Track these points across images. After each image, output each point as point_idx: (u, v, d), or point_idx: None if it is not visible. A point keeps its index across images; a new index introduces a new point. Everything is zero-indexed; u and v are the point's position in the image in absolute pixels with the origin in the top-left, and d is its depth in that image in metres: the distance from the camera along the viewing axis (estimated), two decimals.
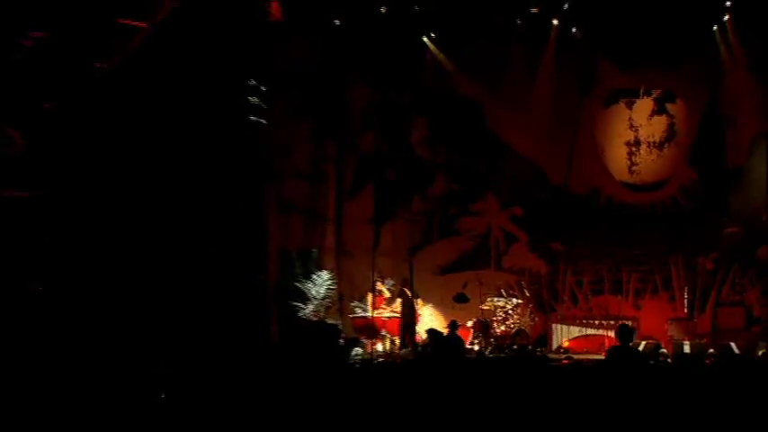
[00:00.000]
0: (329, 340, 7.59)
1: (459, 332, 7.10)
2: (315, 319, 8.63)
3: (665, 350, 7.20)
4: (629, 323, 6.96)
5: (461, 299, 7.89)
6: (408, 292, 7.98)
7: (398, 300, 8.45)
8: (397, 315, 8.27)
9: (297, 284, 8.42)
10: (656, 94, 8.53)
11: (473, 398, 5.17)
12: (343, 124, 8.45)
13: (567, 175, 8.47)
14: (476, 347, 7.72)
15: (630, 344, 5.73)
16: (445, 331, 7.13)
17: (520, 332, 8.00)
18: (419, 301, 8.44)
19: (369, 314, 8.07)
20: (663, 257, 8.36)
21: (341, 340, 8.20)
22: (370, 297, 8.20)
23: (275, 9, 8.26)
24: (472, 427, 4.89)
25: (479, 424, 4.89)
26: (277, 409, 4.97)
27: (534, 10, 8.07)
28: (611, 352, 5.43)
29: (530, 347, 7.77)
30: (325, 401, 5.12)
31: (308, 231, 8.73)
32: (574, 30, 8.21)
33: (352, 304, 8.45)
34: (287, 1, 8.39)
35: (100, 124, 7.74)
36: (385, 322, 8.04)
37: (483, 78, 8.57)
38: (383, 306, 8.27)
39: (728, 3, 7.79)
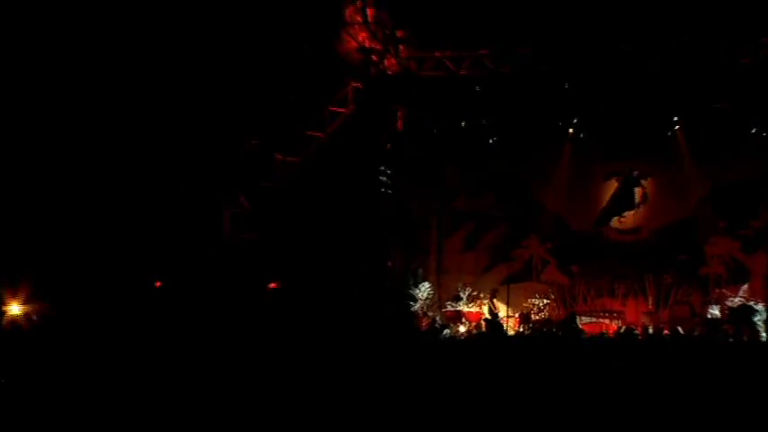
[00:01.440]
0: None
1: (507, 320, 11.94)
2: (420, 312, 12.71)
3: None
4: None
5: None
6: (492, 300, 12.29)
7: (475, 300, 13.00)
8: (473, 310, 12.80)
9: (409, 291, 12.66)
10: (635, 174, 12.81)
11: (511, 357, 8.49)
12: (441, 193, 13.07)
13: (581, 222, 12.97)
14: (520, 329, 11.87)
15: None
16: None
17: (548, 321, 12.08)
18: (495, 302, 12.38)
19: (457, 308, 12.59)
20: (639, 275, 12.43)
21: (437, 324, 12.72)
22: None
23: (400, 124, 13.08)
24: (511, 373, 7.48)
25: (515, 373, 7.46)
26: (393, 365, 7.58)
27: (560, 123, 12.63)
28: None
29: (554, 329, 12.25)
30: (423, 360, 8.06)
31: (417, 258, 13.21)
32: (581, 135, 12.21)
33: (447, 303, 12.79)
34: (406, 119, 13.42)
35: (293, 198, 12.24)
36: (466, 314, 12.48)
37: (527, 164, 12.77)
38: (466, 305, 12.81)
39: (676, 120, 11.72)
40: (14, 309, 10.39)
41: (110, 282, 10.74)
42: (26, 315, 10.32)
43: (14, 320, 10.40)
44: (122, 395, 5.96)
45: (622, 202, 12.67)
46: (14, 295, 10.19)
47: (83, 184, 10.48)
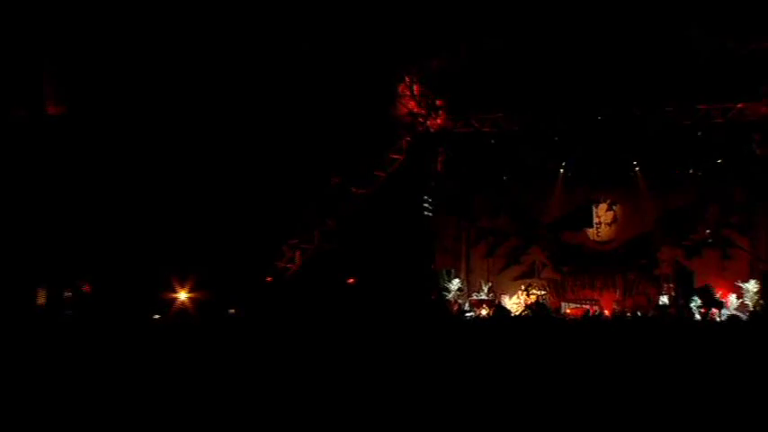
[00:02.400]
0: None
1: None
2: (452, 300, 16.21)
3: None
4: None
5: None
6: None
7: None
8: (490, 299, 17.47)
9: (445, 285, 16.17)
10: (608, 201, 16.41)
11: (516, 330, 11.19)
12: (469, 216, 17.03)
13: (569, 236, 16.89)
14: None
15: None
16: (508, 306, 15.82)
17: (540, 304, 14.97)
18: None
19: (480, 297, 16.54)
20: (611, 273, 16.03)
21: (464, 309, 16.88)
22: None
23: (439, 166, 17.56)
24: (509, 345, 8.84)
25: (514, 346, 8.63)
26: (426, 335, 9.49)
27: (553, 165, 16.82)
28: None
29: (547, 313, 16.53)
30: (450, 332, 10.29)
31: (448, 261, 16.99)
32: (569, 173, 16.01)
33: (473, 293, 16.43)
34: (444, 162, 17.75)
35: (364, 219, 16.02)
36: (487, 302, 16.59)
37: (530, 194, 16.64)
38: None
39: (636, 164, 15.96)
40: (182, 296, 14.78)
41: (243, 276, 15.25)
42: (191, 301, 14.61)
43: (183, 305, 14.81)
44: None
45: (598, 221, 16.47)
46: (182, 285, 14.59)
47: (235, 199, 14.37)
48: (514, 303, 15.61)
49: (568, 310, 15.79)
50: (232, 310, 13.94)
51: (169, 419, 5.25)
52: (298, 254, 15.95)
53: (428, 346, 8.87)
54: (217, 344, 7.99)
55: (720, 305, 14.11)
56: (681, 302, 14.79)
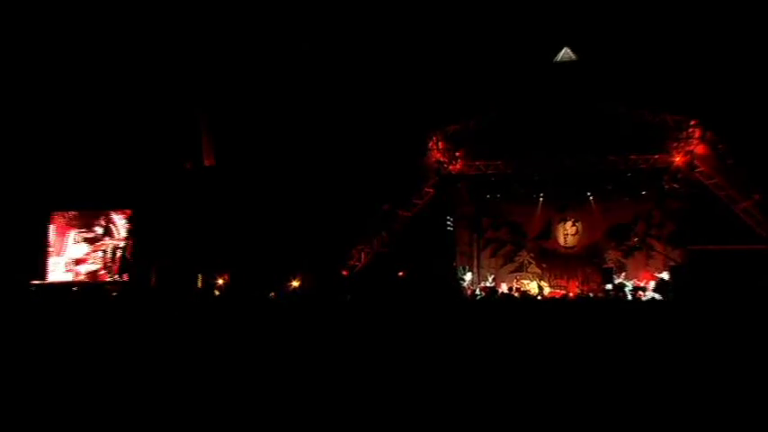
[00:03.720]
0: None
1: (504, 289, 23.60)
2: (467, 287, 24.45)
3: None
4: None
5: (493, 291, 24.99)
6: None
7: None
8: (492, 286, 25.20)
9: (462, 277, 21.42)
10: (572, 219, 21.60)
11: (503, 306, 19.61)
12: (480, 229, 24.65)
13: (548, 244, 25.27)
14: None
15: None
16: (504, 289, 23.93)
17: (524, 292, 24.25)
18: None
19: (486, 285, 25.03)
20: (575, 269, 21.39)
21: (476, 293, 25.14)
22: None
23: (463, 189, 25.43)
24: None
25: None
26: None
27: (534, 194, 25.06)
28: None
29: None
30: (465, 307, 14.88)
31: (464, 260, 23.57)
32: (544, 199, 22.56)
33: (482, 281, 21.98)
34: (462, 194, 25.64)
35: (408, 234, 24.84)
36: (490, 288, 25.01)
37: (520, 214, 24.20)
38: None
39: (590, 194, 24.55)
40: (294, 283, 22.44)
41: (330, 270, 23.14)
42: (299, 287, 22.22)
43: (295, 290, 22.42)
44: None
45: (565, 233, 23.35)
46: (300, 272, 22.40)
47: (326, 219, 22.38)
48: (509, 287, 23.34)
49: (547, 293, 23.43)
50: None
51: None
52: (363, 255, 22.65)
53: (451, 316, 12.02)
54: (318, 312, 11.86)
55: (611, 281, 21.00)
56: (606, 288, 22.15)
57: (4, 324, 9.45)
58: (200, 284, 21.18)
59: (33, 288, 18.84)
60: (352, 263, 22.55)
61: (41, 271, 20.12)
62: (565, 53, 22.04)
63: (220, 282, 21.91)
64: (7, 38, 19.41)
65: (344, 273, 22.82)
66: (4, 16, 17.60)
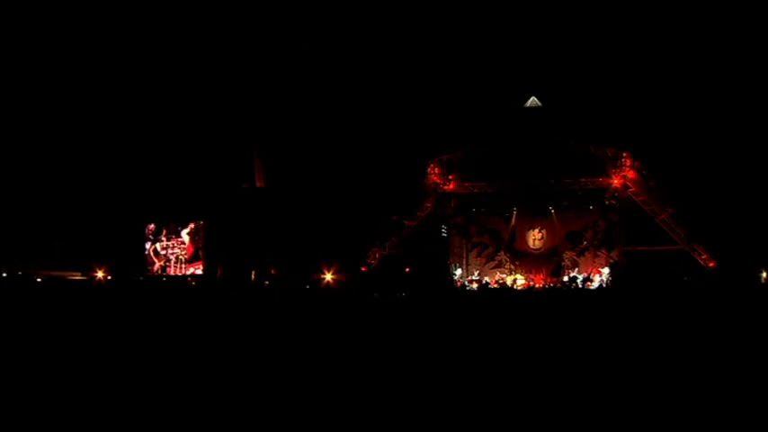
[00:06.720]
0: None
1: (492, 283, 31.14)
2: (457, 281, 32.69)
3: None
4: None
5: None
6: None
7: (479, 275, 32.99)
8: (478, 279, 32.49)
9: (453, 273, 29.01)
10: (539, 227, 28.83)
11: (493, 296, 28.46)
12: (468, 235, 32.34)
13: (521, 246, 32.41)
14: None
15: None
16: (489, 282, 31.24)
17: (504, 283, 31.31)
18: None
19: (473, 279, 31.98)
20: (540, 265, 28.50)
21: (464, 285, 32.24)
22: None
23: (454, 204, 32.58)
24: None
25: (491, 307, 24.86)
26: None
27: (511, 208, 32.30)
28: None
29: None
30: (456, 296, 25.61)
31: (456, 259, 32.72)
32: (515, 211, 31.10)
33: (469, 277, 30.18)
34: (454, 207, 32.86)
35: (412, 239, 32.10)
36: (475, 281, 32.15)
37: (501, 224, 32.21)
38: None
39: (551, 208, 31.73)
40: (328, 276, 29.50)
41: (352, 266, 30.26)
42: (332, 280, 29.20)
43: (329, 283, 29.35)
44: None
45: (533, 239, 31.46)
46: (329, 268, 29.48)
47: (349, 228, 29.74)
48: (490, 280, 30.53)
49: (519, 284, 30.65)
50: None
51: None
52: (378, 255, 30.78)
53: (445, 303, 18.63)
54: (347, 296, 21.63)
55: (559, 274, 28.59)
56: (563, 279, 29.61)
57: (132, 301, 15.34)
58: (253, 277, 28.30)
59: (142, 279, 25.80)
60: (369, 261, 29.49)
61: (142, 267, 27.07)
62: (532, 101, 29.38)
63: (269, 275, 28.75)
64: (116, 93, 26.58)
65: (364, 269, 29.76)
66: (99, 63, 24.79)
